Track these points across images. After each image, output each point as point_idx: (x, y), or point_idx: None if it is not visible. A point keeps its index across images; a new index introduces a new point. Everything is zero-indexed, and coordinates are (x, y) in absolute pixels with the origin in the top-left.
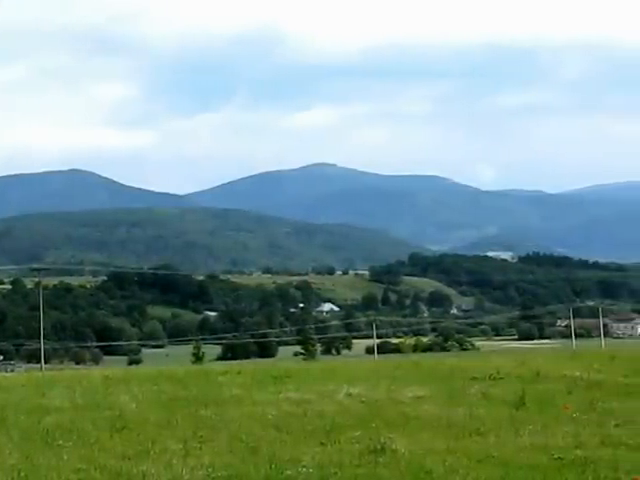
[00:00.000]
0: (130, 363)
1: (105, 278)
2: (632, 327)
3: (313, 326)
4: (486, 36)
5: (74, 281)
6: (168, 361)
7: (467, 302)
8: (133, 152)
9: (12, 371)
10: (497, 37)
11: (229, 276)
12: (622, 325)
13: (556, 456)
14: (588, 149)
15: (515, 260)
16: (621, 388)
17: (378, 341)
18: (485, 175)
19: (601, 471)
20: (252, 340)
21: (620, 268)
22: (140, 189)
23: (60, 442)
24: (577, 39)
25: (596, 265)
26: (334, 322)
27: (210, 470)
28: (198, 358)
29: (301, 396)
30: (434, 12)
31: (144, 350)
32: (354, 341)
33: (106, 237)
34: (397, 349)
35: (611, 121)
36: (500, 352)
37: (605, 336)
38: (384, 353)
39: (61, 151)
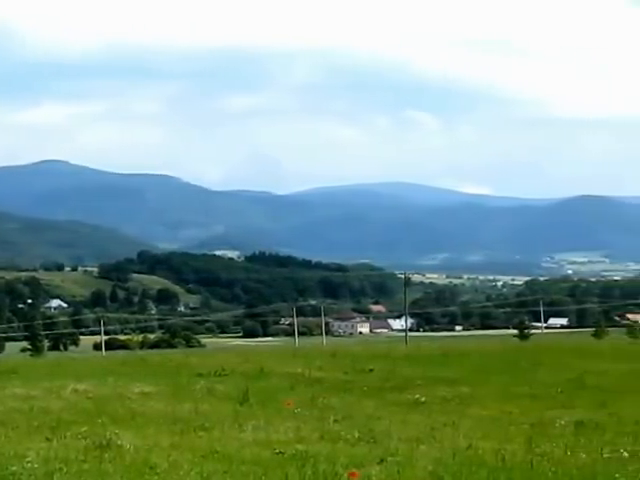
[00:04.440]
0: None
1: None
2: (352, 326)
3: (41, 322)
4: (216, 40)
5: None
6: None
7: (194, 300)
8: None
9: None
10: (226, 41)
11: None
12: (343, 324)
13: (278, 451)
14: (314, 152)
15: (242, 259)
16: (341, 384)
17: (106, 337)
18: (214, 175)
19: (320, 465)
20: None
21: (341, 268)
22: None
23: None
24: (304, 46)
25: (319, 265)
26: (62, 318)
27: None
28: None
29: (27, 392)
30: (164, 14)
31: None
32: (82, 337)
33: None
34: (125, 346)
35: (335, 126)
36: (225, 349)
37: (326, 334)
38: (112, 349)
39: None
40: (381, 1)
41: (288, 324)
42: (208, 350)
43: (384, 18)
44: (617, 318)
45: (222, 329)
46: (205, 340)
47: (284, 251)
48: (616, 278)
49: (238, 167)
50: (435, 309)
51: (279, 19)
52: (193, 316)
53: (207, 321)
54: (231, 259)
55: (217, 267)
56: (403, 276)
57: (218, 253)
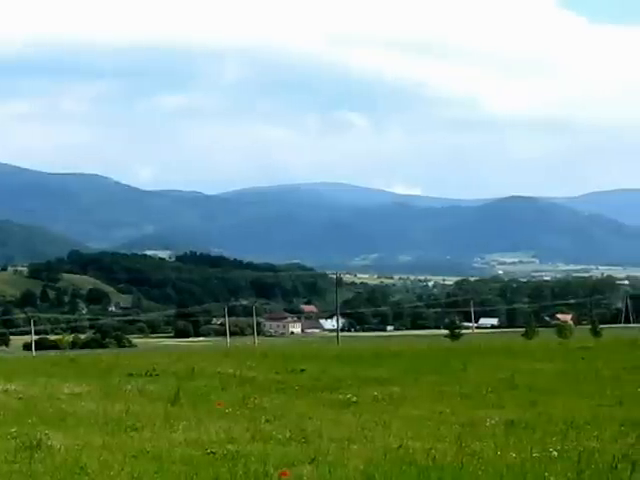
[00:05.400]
0: None
1: None
2: (284, 326)
3: None
4: (143, 37)
5: None
6: None
7: (125, 300)
8: None
9: None
10: (154, 39)
11: None
12: (275, 324)
13: (209, 451)
14: (244, 152)
15: (173, 259)
16: (272, 384)
17: (36, 337)
18: (144, 175)
19: (252, 465)
20: None
21: (273, 268)
22: None
23: None
24: (234, 45)
25: (250, 265)
26: None
27: None
28: None
29: None
30: (93, 10)
31: None
32: (12, 337)
33: None
34: (55, 346)
35: (266, 125)
36: (157, 349)
37: (258, 334)
38: (42, 349)
39: None
40: (312, 1)
41: (220, 324)
42: (139, 350)
43: (315, 18)
44: (547, 318)
45: (153, 329)
46: (136, 340)
47: (215, 251)
48: (546, 278)
49: (169, 167)
50: (366, 309)
51: (209, 17)
52: (124, 316)
53: (138, 321)
54: (162, 259)
55: (148, 267)
56: (334, 276)
57: (149, 253)
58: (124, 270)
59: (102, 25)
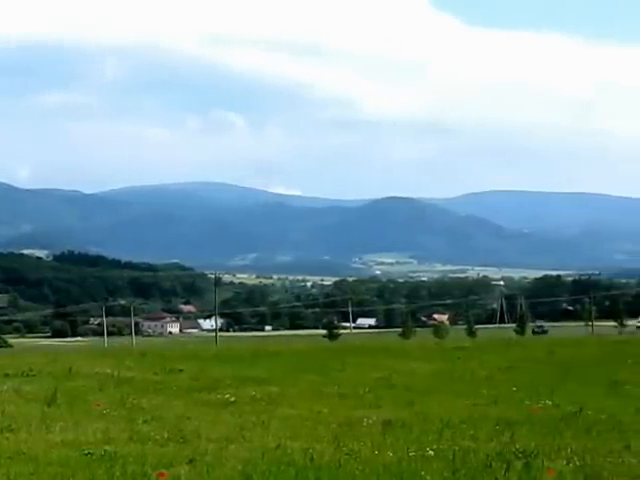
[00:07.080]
0: None
1: None
2: (162, 326)
3: None
4: (21, 35)
5: None
6: None
7: (1, 299)
8: None
9: None
10: (33, 37)
11: None
12: (153, 324)
13: (86, 452)
14: (124, 151)
15: (50, 258)
16: (151, 384)
17: None
18: (23, 174)
19: (129, 466)
20: None
21: (151, 268)
22: None
23: None
24: (113, 43)
25: (129, 265)
26: None
27: None
28: None
29: None
30: None
31: None
32: None
33: None
34: None
35: (145, 125)
36: (33, 349)
37: (136, 334)
38: None
39: None
40: (192, 0)
41: (97, 324)
42: (15, 350)
43: (195, 17)
44: (424, 318)
45: (30, 329)
46: (12, 340)
47: (94, 250)
48: (423, 279)
49: (48, 165)
50: (245, 309)
51: (89, 15)
52: (0, 316)
53: (14, 321)
54: (39, 258)
55: (25, 266)
56: (213, 276)
57: (26, 252)
58: (0, 269)
59: None
